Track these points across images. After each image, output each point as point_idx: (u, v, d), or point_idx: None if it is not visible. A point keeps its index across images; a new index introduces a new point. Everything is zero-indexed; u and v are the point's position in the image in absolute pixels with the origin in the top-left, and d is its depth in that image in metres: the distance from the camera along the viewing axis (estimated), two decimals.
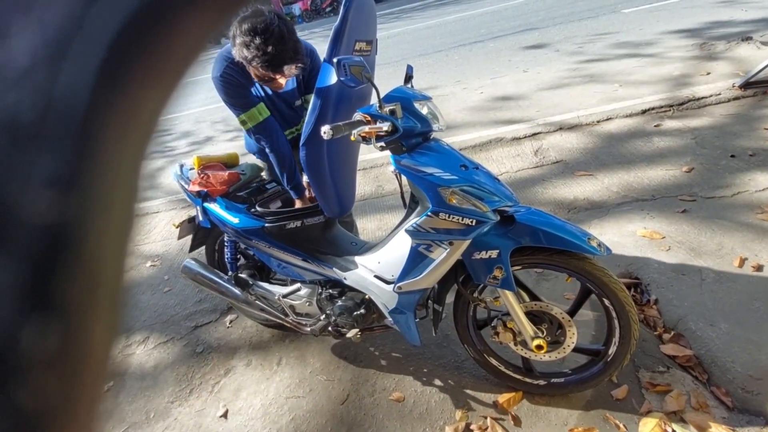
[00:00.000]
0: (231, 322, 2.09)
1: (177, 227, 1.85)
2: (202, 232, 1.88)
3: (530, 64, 4.89)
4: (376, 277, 1.40)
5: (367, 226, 2.57)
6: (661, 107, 3.14)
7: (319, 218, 1.50)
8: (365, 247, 1.54)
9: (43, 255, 0.12)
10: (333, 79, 1.18)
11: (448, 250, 1.17)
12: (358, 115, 1.12)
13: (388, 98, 1.15)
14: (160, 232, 3.13)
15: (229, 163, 1.74)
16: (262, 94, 1.59)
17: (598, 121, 3.17)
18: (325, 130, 1.01)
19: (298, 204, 1.64)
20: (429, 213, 1.14)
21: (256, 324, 2.04)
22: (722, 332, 1.49)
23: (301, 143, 1.27)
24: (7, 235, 0.12)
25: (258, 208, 1.57)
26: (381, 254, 1.40)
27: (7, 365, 0.12)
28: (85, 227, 0.13)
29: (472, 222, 1.12)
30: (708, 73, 3.48)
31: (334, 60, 1.03)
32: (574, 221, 2.15)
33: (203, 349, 1.99)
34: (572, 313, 1.30)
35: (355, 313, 1.48)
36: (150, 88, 0.14)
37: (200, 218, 1.70)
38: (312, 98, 1.58)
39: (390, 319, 1.43)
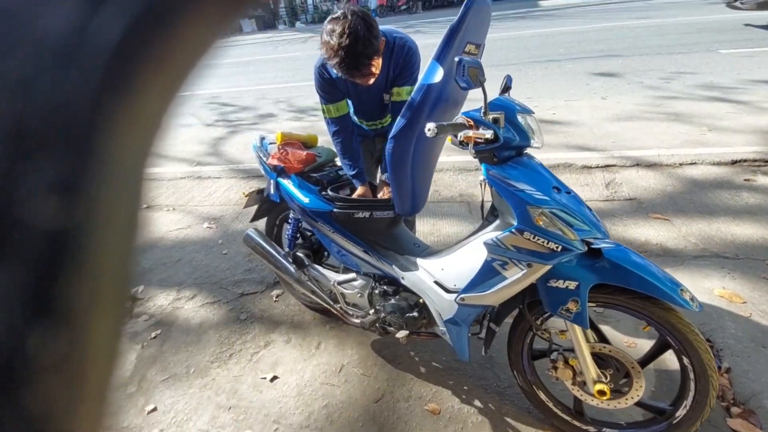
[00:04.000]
0: (277, 296, 2.13)
1: (246, 196, 1.91)
2: (266, 205, 1.93)
3: (610, 91, 4.66)
4: (436, 283, 1.38)
5: (420, 229, 2.54)
6: (755, 161, 2.88)
7: (388, 213, 1.49)
8: (427, 251, 1.51)
9: (49, 261, 0.12)
10: (437, 77, 1.16)
11: (525, 271, 1.12)
12: (461, 118, 1.09)
13: (492, 106, 1.11)
14: (218, 197, 3.26)
15: (308, 143, 1.77)
16: (351, 87, 1.60)
17: (680, 164, 2.96)
18: (430, 128, 0.99)
19: (359, 192, 1.65)
20: (513, 230, 1.10)
21: (299, 303, 2.07)
22: None
23: (390, 135, 1.26)
24: (13, 241, 0.12)
25: (329, 192, 1.58)
26: (446, 261, 1.36)
27: (15, 370, 0.12)
28: (90, 232, 0.13)
29: (557, 248, 1.07)
30: None
31: (456, 58, 1.00)
32: None
33: (246, 317, 2.04)
34: (643, 363, 1.21)
35: (407, 314, 1.46)
36: (153, 94, 0.14)
37: (271, 191, 1.74)
38: (411, 93, 1.58)
39: (442, 328, 1.40)
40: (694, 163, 2.95)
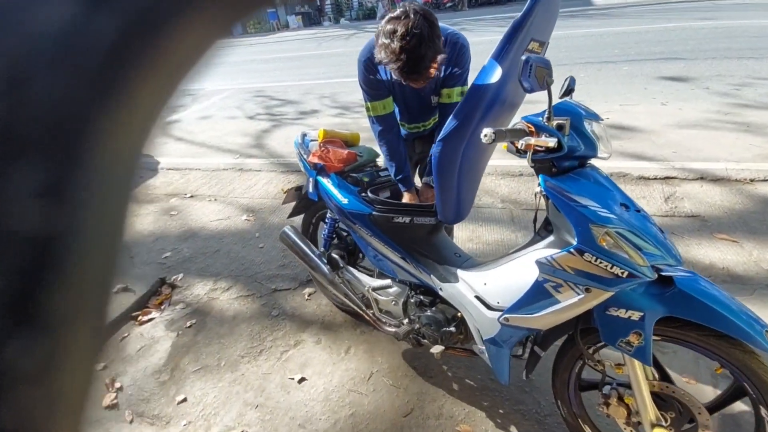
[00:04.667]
0: (309, 295, 2.12)
1: (284, 192, 1.90)
2: (304, 203, 1.91)
3: (671, 97, 4.32)
4: (478, 298, 1.29)
5: (458, 235, 2.44)
6: None
7: (430, 219, 1.41)
8: (469, 262, 1.43)
9: (31, 268, 0.12)
10: (495, 77, 1.07)
11: (582, 296, 1.01)
12: (521, 124, 0.99)
13: (556, 111, 1.01)
14: (258, 190, 3.30)
15: (351, 142, 1.72)
16: (397, 86, 1.53)
17: (751, 180, 2.68)
18: (487, 133, 0.91)
19: (405, 198, 1.58)
20: (572, 250, 0.99)
21: (330, 303, 2.04)
22: None
23: (439, 138, 1.18)
24: None
25: (369, 194, 1.53)
26: (490, 275, 1.27)
27: None
28: (74, 239, 0.13)
29: (622, 273, 0.95)
30: None
31: (522, 56, 0.91)
32: None
33: (278, 313, 2.03)
34: (712, 409, 1.07)
35: (443, 328, 1.39)
36: (145, 98, 0.14)
37: (310, 190, 1.71)
38: (461, 94, 1.49)
39: (481, 346, 1.31)
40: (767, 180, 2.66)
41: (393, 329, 1.55)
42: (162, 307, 2.19)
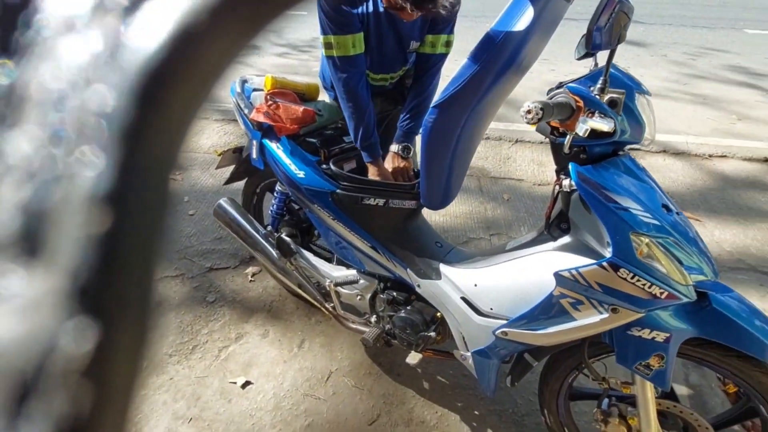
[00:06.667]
0: (253, 275, 1.79)
1: (219, 155, 1.50)
2: (245, 167, 1.53)
3: (630, 62, 4.26)
4: (465, 300, 1.07)
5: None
6: None
7: (410, 203, 1.14)
8: (453, 254, 1.20)
9: (83, 264, 0.13)
10: (523, 22, 0.77)
11: (605, 316, 0.82)
12: (564, 95, 0.72)
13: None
14: (195, 141, 2.77)
15: (307, 95, 1.35)
16: (372, 20, 1.15)
17: (710, 155, 2.70)
18: (531, 109, 0.62)
19: (371, 171, 1.26)
20: (604, 263, 0.78)
21: (279, 286, 1.75)
22: None
23: (434, 104, 0.88)
24: (50, 244, 0.13)
25: (332, 167, 1.20)
26: (482, 275, 1.05)
27: (47, 371, 0.13)
28: (123, 238, 0.14)
29: (661, 294, 0.77)
30: None
31: None
32: None
33: (215, 299, 1.71)
34: (718, 426, 0.98)
35: (420, 332, 1.17)
36: (178, 105, 0.14)
37: (253, 155, 1.34)
38: (450, 45, 1.18)
39: (465, 353, 1.12)
40: (725, 156, 2.69)
41: (358, 328, 1.32)
42: None
